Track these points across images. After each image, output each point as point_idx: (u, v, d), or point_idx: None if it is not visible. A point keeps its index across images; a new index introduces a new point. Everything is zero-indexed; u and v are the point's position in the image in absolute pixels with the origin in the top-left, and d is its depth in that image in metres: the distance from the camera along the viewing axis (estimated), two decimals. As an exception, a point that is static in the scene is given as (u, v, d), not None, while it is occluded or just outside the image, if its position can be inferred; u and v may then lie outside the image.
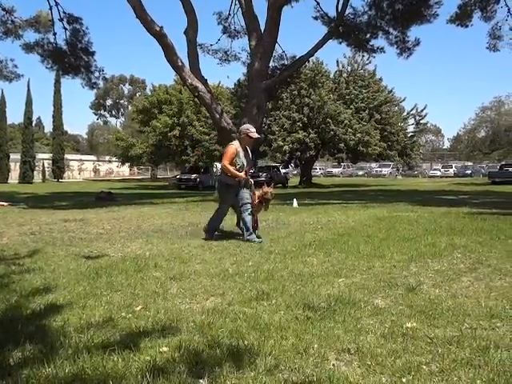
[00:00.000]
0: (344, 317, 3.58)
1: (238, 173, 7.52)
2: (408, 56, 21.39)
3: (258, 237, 7.59)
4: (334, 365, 2.78)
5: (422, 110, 37.96)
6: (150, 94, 42.77)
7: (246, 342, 3.08)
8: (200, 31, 23.95)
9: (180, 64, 18.83)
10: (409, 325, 3.39)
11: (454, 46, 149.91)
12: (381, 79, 36.65)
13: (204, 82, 19.81)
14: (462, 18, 21.04)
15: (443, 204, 14.09)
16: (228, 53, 24.69)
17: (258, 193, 7.95)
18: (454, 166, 61.41)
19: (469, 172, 56.22)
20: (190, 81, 19.06)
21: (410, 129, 38.68)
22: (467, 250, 6.22)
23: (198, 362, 2.80)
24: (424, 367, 2.71)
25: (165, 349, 2.98)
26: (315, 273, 5.11)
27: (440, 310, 3.73)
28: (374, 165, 58.20)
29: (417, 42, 21.14)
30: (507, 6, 20.10)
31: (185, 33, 19.47)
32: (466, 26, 21.49)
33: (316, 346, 3.03)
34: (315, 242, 7.15)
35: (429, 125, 45.20)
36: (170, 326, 3.41)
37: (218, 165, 32.13)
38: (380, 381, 2.58)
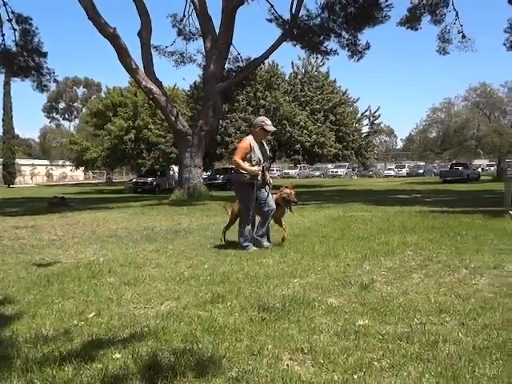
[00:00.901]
0: (298, 317, 3.62)
1: (251, 167, 6.76)
2: (359, 59, 21.86)
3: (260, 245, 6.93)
4: (287, 365, 2.81)
5: (375, 111, 38.70)
6: (104, 96, 42.07)
7: (200, 346, 3.07)
8: (155, 33, 23.81)
9: (134, 66, 18.63)
10: (361, 322, 3.45)
11: (406, 48, 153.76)
12: (335, 81, 37.18)
13: (159, 84, 19.66)
14: (411, 20, 21.62)
15: (396, 203, 14.41)
16: (184, 55, 24.62)
17: (276, 195, 7.25)
18: (407, 165, 63.02)
19: (421, 171, 57.84)
20: (144, 83, 18.88)
21: (365, 129, 39.40)
22: (418, 248, 6.38)
23: (152, 367, 2.77)
24: (375, 363, 2.77)
25: (118, 355, 2.94)
26: (271, 274, 5.13)
27: (391, 306, 3.81)
28: (330, 165, 58.97)
29: (367, 46, 21.64)
30: (455, 10, 20.83)
31: (138, 34, 19.27)
32: (416, 29, 22.11)
33: (270, 346, 3.05)
34: (271, 243, 7.17)
35: (382, 125, 45.99)
36: (123, 332, 3.37)
37: (175, 168, 31.89)
38: (332, 378, 2.62)
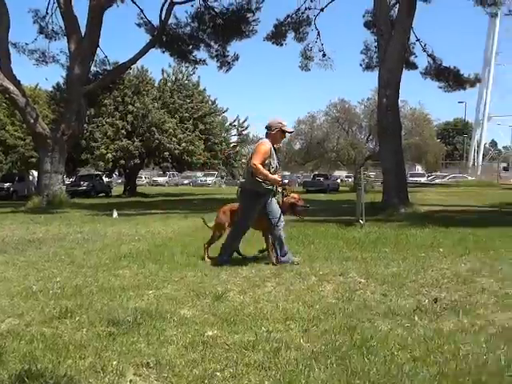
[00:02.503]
0: (148, 330, 3.58)
1: (273, 176, 6.04)
2: (227, 70, 22.30)
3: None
4: (130, 380, 2.77)
5: (243, 122, 39.66)
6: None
7: (39, 366, 2.91)
8: (14, 29, 22.24)
9: (-13, 63, 17.30)
10: (210, 333, 3.50)
11: (274, 62, 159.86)
12: (204, 90, 37.49)
13: (17, 83, 18.44)
14: (277, 36, 22.48)
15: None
16: (46, 54, 23.22)
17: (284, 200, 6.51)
18: (273, 175, 65.22)
19: (286, 181, 60.08)
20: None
21: (233, 139, 40.15)
22: (275, 257, 6.61)
23: (-19, 392, 2.58)
24: (218, 374, 2.82)
25: None
26: (126, 286, 5.02)
27: (242, 315, 3.91)
28: (199, 174, 59.19)
29: (236, 57, 22.16)
30: (317, 29, 22.04)
31: (-7, 29, 17.94)
32: (281, 45, 23.01)
33: (115, 362, 2.98)
34: (131, 253, 7.04)
35: (251, 136, 47.30)
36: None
37: (35, 172, 29.95)
38: (175, 392, 2.63)
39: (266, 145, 6.09)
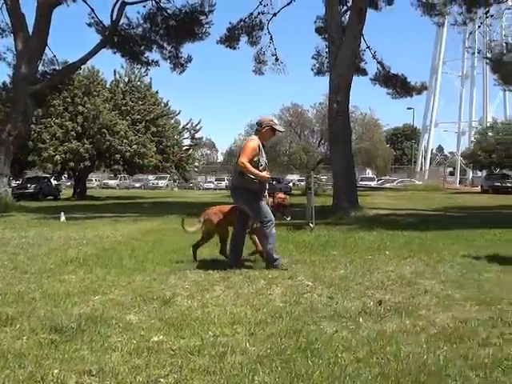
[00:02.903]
0: (92, 336, 3.50)
1: (262, 173, 5.93)
2: (181, 72, 22.14)
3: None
4: (72, 389, 2.70)
5: (196, 125, 39.50)
6: None
7: (-26, 377, 2.81)
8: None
9: None
10: (156, 338, 3.47)
11: (227, 66, 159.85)
12: (157, 92, 37.12)
13: (-43, 81, 17.73)
14: (230, 40, 22.52)
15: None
16: (-10, 51, 22.46)
17: (270, 200, 6.44)
18: (226, 178, 65.37)
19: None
20: None
21: (186, 142, 39.90)
22: (224, 261, 6.60)
23: None
24: (162, 380, 2.79)
25: None
26: (71, 291, 4.90)
27: (189, 320, 3.89)
28: (151, 177, 58.54)
29: (189, 59, 22.03)
30: (270, 33, 22.21)
31: None
32: (235, 48, 23.05)
33: (56, 370, 2.90)
34: (77, 258, 6.87)
35: (204, 139, 47.22)
36: None
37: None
38: (117, 399, 2.59)
39: (254, 142, 6.01)
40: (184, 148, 38.70)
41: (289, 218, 6.99)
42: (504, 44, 19.03)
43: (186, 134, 39.57)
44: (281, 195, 6.77)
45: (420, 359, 3.07)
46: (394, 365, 2.99)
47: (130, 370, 2.92)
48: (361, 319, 3.93)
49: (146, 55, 22.64)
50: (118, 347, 3.30)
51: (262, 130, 6.13)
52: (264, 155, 6.11)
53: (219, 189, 57.80)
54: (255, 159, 5.93)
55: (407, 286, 5.12)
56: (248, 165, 5.85)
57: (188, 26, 20.81)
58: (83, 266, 6.26)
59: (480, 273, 5.71)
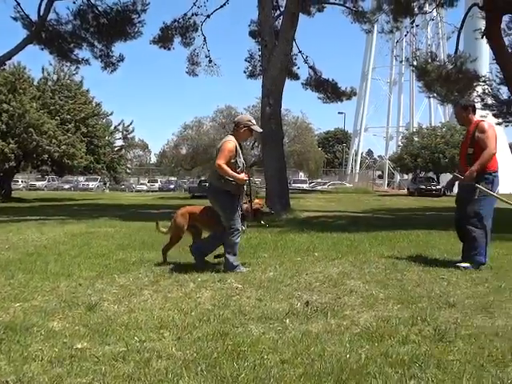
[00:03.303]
0: (11, 346, 3.36)
1: (239, 175, 5.84)
2: (112, 71, 21.69)
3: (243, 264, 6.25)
4: (-14, 401, 2.59)
5: (128, 125, 38.72)
6: None
7: None
8: None
9: None
10: (79, 345, 3.37)
11: (159, 66, 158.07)
12: (88, 91, 36.12)
13: None
14: (164, 40, 22.32)
15: (143, 218, 14.55)
16: None
17: (246, 205, 6.29)
18: (159, 180, 64.60)
19: (172, 186, 59.96)
20: None
21: (118, 143, 39.07)
22: (153, 264, 6.53)
23: None
24: (84, 388, 2.73)
25: None
26: (-10, 299, 4.69)
27: (114, 326, 3.81)
28: (81, 178, 56.87)
29: (121, 58, 21.63)
30: (203, 35, 22.19)
31: None
32: (169, 49, 22.86)
33: (-31, 383, 2.77)
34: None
35: (137, 140, 46.43)
36: None
37: None
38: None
39: (231, 143, 5.88)
40: (116, 149, 37.84)
41: (267, 225, 7.06)
42: (428, 53, 19.86)
43: (118, 135, 38.72)
44: (258, 201, 6.63)
45: (342, 358, 3.16)
46: (317, 365, 3.06)
47: (51, 379, 2.83)
48: (288, 320, 3.99)
49: (75, 53, 22.02)
50: (39, 356, 3.18)
51: (240, 130, 6.04)
52: (241, 156, 6.03)
53: (152, 191, 57.05)
54: (232, 161, 5.84)
55: (334, 287, 5.25)
56: (225, 166, 5.75)
57: (119, 25, 20.40)
58: (4, 272, 5.99)
59: (402, 273, 5.94)
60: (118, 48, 21.79)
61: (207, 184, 6.76)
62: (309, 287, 5.23)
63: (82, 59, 22.36)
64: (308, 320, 4.04)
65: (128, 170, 46.30)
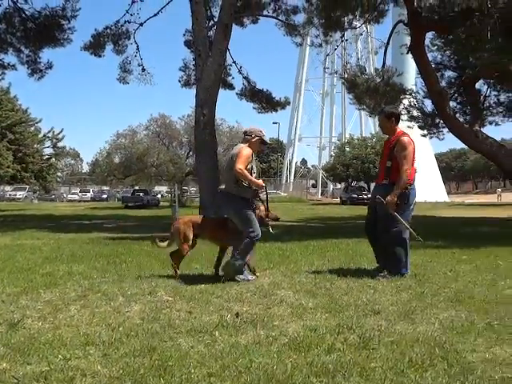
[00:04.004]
0: None
1: (257, 181, 5.98)
2: (40, 78, 21.01)
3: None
4: None
5: (58, 133, 37.56)
6: None
7: None
8: None
9: None
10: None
11: (92, 74, 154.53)
12: (15, 97, 34.79)
13: None
14: (95, 47, 21.79)
15: (73, 230, 14.17)
16: None
17: (258, 211, 6.23)
18: (91, 190, 62.98)
19: (105, 196, 58.67)
20: None
21: (47, 151, 37.80)
22: (83, 277, 6.36)
23: None
24: (1, 412, 2.62)
25: None
26: None
27: (38, 344, 3.68)
28: (7, 188, 54.50)
29: (49, 65, 21.00)
30: (136, 43, 21.86)
31: None
32: (100, 56, 22.34)
33: None
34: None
35: (68, 148, 45.04)
36: None
37: None
38: None
39: (248, 149, 5.97)
40: (45, 157, 36.59)
41: (274, 232, 7.11)
42: (358, 66, 20.52)
43: (48, 143, 37.48)
44: (262, 207, 6.49)
45: (269, 369, 3.20)
46: (244, 377, 3.08)
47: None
48: (217, 333, 4.00)
49: (0, 57, 21.16)
50: (-47, 380, 3.03)
51: (252, 139, 6.11)
52: (255, 165, 6.22)
53: (84, 200, 55.52)
54: (248, 166, 5.94)
55: (264, 297, 5.30)
56: (245, 171, 5.83)
57: (48, 30, 19.78)
58: None
59: (332, 282, 6.08)
60: (47, 54, 21.15)
61: (220, 189, 6.85)
62: (240, 298, 5.26)
63: (8, 64, 21.51)
64: (237, 332, 4.06)
65: (58, 179, 44.88)
